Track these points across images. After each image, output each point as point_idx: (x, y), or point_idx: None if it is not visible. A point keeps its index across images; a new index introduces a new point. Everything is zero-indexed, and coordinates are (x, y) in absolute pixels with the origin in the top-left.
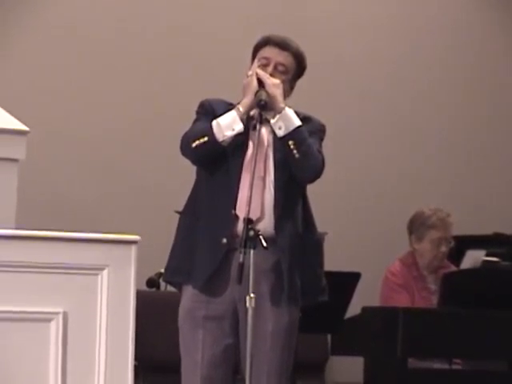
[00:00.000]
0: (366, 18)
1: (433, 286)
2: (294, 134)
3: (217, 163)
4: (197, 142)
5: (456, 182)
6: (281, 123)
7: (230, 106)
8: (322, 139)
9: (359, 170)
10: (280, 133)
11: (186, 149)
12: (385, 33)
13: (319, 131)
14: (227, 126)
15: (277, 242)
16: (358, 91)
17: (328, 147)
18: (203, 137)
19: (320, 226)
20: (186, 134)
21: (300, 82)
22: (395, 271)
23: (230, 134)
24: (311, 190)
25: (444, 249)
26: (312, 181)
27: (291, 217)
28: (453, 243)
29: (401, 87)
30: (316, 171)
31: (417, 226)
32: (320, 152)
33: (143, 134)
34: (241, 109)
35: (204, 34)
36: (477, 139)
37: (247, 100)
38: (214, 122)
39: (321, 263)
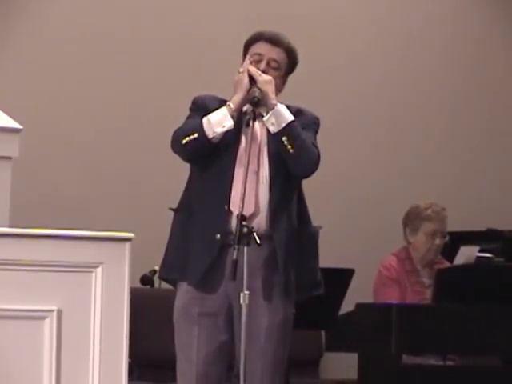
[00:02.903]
0: (364, 17)
1: (426, 281)
2: (287, 129)
3: (207, 160)
4: (187, 139)
5: (450, 177)
6: (273, 119)
7: (222, 103)
8: (316, 132)
9: (353, 166)
10: (273, 129)
11: (176, 145)
12: (384, 31)
13: (313, 123)
14: (217, 122)
15: (272, 238)
16: (355, 88)
17: (324, 143)
18: (193, 133)
19: (314, 222)
20: (177, 130)
21: (299, 81)
22: (388, 265)
23: (220, 130)
24: (304, 186)
25: (438, 242)
26: (308, 175)
27: (287, 211)
28: (448, 238)
29: (400, 86)
30: (312, 165)
31: (412, 218)
32: (315, 145)
33: (136, 132)
34: (231, 105)
35: (201, 33)
36: (470, 135)
37: (238, 97)
38: (205, 119)
39: (315, 257)
